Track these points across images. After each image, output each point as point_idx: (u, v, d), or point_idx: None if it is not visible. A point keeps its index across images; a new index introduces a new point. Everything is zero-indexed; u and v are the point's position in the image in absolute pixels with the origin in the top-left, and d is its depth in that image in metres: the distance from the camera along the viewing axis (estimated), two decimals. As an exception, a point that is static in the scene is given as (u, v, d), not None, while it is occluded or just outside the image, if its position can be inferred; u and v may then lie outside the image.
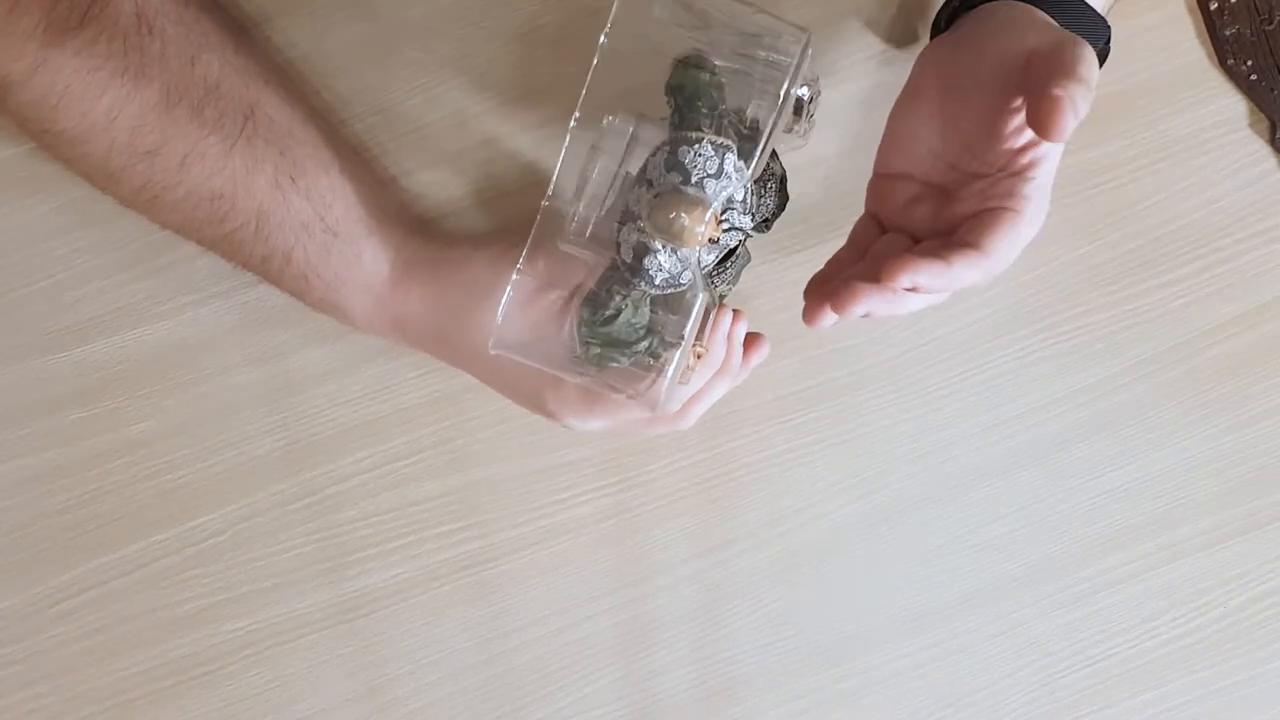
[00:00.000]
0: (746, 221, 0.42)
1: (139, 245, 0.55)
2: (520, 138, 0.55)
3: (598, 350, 0.45)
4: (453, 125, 0.55)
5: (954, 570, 0.59)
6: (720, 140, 0.40)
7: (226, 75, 0.49)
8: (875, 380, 0.58)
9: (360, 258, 0.51)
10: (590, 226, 0.44)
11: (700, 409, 0.53)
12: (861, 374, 0.58)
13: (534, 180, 0.56)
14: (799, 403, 0.58)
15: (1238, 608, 0.60)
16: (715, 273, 0.46)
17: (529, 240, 0.44)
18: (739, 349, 0.51)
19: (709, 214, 0.40)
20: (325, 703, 0.58)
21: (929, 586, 0.59)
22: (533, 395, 0.51)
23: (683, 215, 0.39)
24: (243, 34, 0.53)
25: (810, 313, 0.43)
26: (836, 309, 0.42)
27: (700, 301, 0.44)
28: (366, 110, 0.55)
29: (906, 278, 0.40)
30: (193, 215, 0.49)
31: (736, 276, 0.50)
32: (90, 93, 0.46)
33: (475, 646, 0.58)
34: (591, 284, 0.44)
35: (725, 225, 0.41)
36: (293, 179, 0.49)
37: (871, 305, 0.42)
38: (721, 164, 0.40)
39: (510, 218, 0.56)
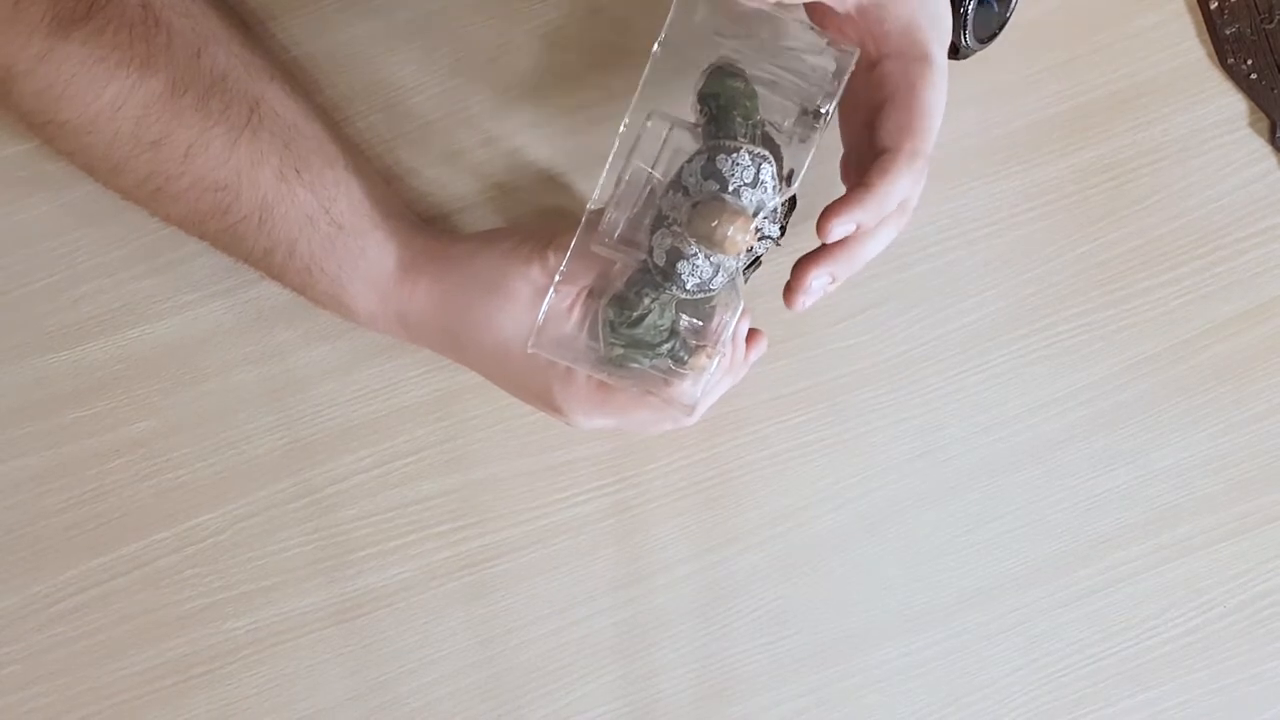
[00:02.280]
0: (776, 230, 0.42)
1: (138, 244, 0.55)
2: (523, 135, 0.56)
3: (620, 351, 0.45)
4: (456, 123, 0.55)
5: (954, 570, 0.59)
6: (758, 150, 0.40)
7: (233, 68, 0.49)
8: (875, 380, 0.58)
9: (365, 251, 0.50)
10: (620, 229, 0.44)
11: (704, 407, 0.53)
12: (861, 373, 0.58)
13: (537, 177, 0.56)
14: (798, 402, 0.58)
15: (1238, 607, 0.60)
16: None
17: (574, 240, 0.44)
18: (742, 345, 0.52)
19: (752, 224, 0.40)
20: (325, 703, 0.57)
21: (929, 586, 0.59)
22: (540, 391, 0.50)
23: (725, 224, 0.39)
24: (248, 29, 0.53)
25: (787, 296, 0.46)
26: (794, 295, 0.45)
27: (738, 307, 0.44)
28: (369, 108, 0.55)
29: (839, 224, 0.42)
30: (196, 207, 0.49)
31: (745, 282, 0.50)
32: (95, 83, 0.46)
33: (475, 646, 0.58)
34: (620, 285, 0.44)
35: (758, 234, 0.41)
36: (298, 171, 0.49)
37: (827, 270, 0.44)
38: (758, 174, 0.40)
39: (514, 215, 0.56)
